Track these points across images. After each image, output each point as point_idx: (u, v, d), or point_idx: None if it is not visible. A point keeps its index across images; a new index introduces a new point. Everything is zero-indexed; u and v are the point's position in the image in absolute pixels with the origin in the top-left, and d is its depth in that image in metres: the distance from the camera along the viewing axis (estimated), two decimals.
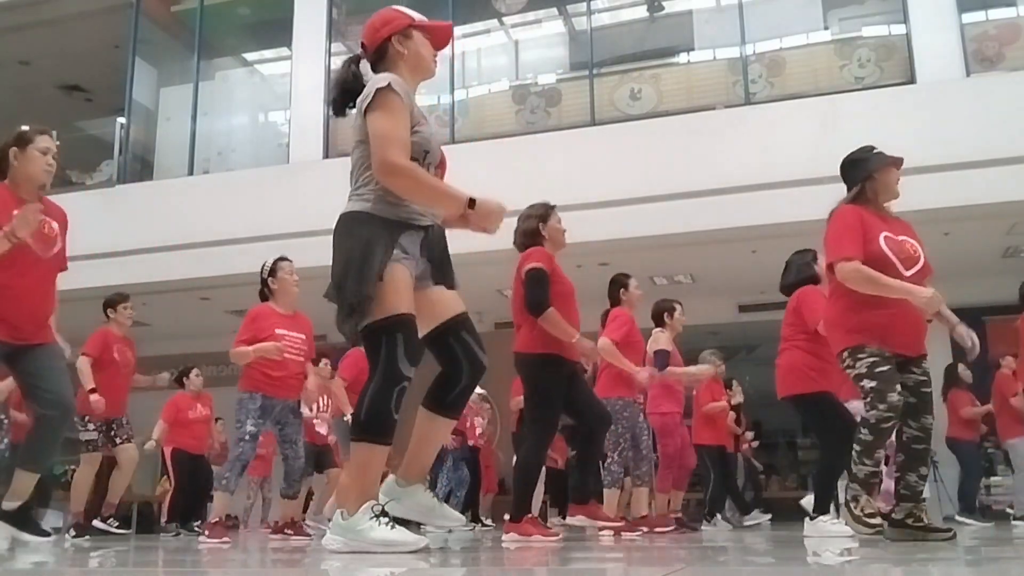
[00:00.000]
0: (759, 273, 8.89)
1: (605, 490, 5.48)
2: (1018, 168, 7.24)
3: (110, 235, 9.44)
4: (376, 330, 2.72)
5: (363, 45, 2.99)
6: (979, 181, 7.27)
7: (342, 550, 2.66)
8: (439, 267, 2.92)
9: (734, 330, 10.57)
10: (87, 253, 9.28)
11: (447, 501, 7.78)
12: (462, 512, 8.22)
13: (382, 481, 2.87)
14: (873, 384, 3.45)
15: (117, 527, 6.38)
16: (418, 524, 3.19)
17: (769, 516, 8.01)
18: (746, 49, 9.04)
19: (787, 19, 9.33)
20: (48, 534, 3.95)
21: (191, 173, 10.31)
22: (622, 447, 5.40)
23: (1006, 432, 7.54)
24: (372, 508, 2.65)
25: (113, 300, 6.35)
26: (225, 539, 5.02)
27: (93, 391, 5.86)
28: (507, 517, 4.43)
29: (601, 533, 4.83)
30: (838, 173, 3.81)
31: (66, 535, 6.01)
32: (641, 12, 10.40)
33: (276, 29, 10.72)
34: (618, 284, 5.62)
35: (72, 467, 10.08)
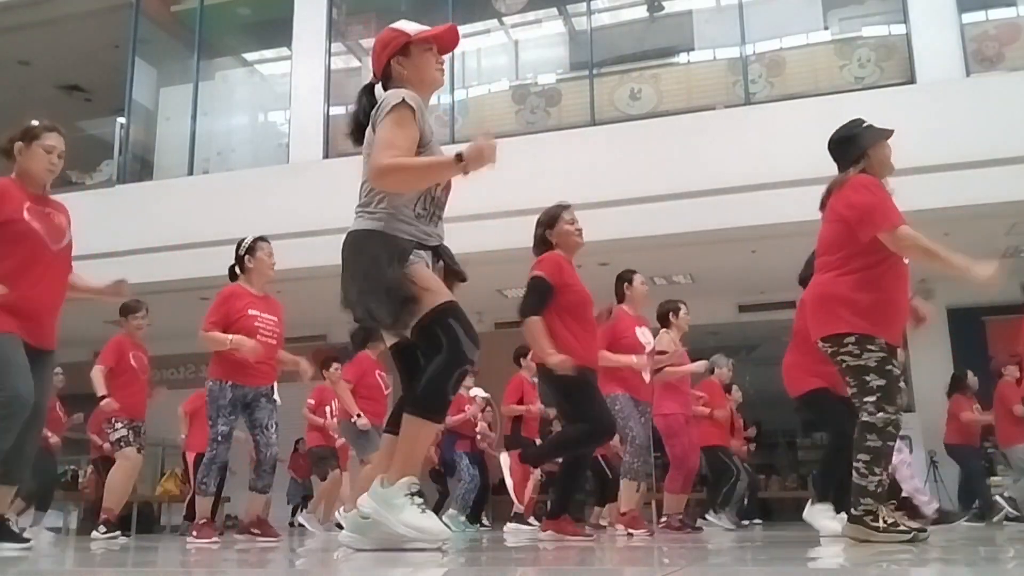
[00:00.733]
0: (759, 273, 8.90)
1: (622, 481, 5.37)
2: (1018, 168, 7.24)
3: (110, 235, 9.44)
4: (428, 325, 2.76)
5: (373, 72, 3.06)
6: (979, 181, 7.27)
7: (373, 516, 2.67)
8: (451, 267, 2.99)
9: (734, 330, 10.57)
10: (87, 253, 9.22)
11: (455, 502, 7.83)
12: (471, 514, 8.24)
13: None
14: (882, 383, 3.26)
15: (121, 533, 6.32)
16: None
17: (759, 521, 7.96)
18: (746, 49, 9.04)
19: (787, 19, 9.33)
20: (28, 540, 3.82)
21: (191, 173, 10.31)
22: (630, 436, 5.28)
23: (1007, 438, 7.55)
24: (410, 485, 2.69)
25: (127, 308, 6.27)
26: (214, 539, 4.93)
27: (103, 398, 5.85)
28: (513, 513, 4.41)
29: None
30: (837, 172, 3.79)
31: (94, 532, 5.94)
32: (641, 12, 10.39)
33: (276, 29, 10.72)
34: (622, 280, 5.59)
35: (73, 467, 10.12)
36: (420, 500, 2.68)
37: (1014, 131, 7.37)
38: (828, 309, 3.41)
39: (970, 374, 8.08)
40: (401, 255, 2.78)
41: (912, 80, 8.21)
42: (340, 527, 7.41)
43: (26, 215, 3.65)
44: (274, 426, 5.21)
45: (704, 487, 8.39)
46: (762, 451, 12.46)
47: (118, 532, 5.98)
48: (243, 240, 5.39)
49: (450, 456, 8.53)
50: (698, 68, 9.86)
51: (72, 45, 11.12)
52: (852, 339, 3.31)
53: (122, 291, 4.03)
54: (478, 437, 8.67)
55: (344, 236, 2.91)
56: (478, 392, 8.67)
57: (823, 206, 3.55)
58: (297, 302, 7.64)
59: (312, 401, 7.98)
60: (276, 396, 5.31)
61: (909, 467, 7.85)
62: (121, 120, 10.73)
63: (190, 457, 7.42)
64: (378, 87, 3.02)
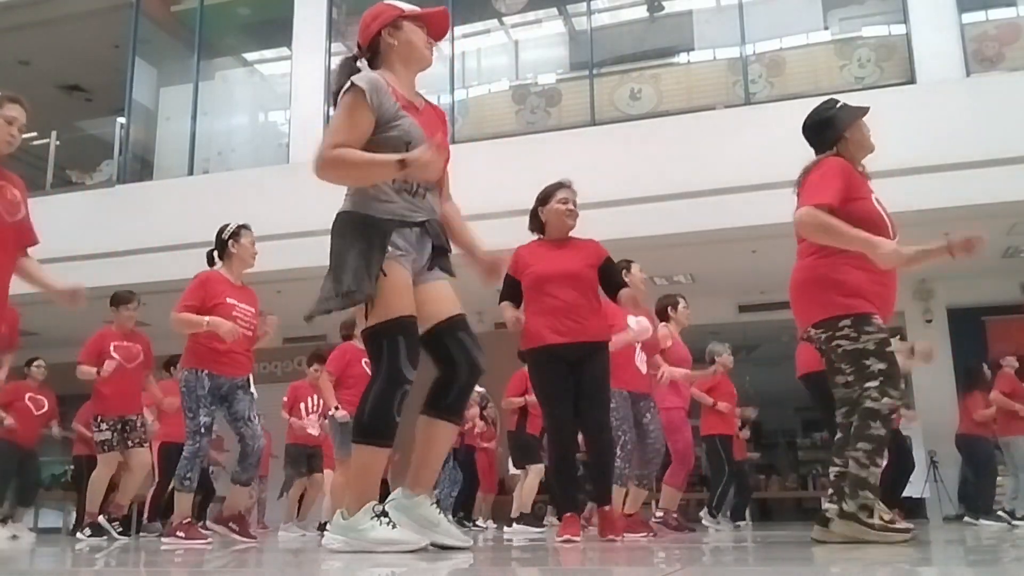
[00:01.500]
0: (759, 273, 8.90)
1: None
2: (1018, 168, 7.24)
3: (110, 235, 9.45)
4: (377, 333, 2.72)
5: (358, 44, 3.01)
6: (979, 181, 7.27)
7: (343, 550, 2.66)
8: (440, 256, 2.92)
9: (734, 330, 10.57)
10: (87, 253, 9.29)
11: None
12: (453, 513, 8.23)
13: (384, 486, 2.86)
14: (884, 367, 3.06)
15: (120, 532, 6.32)
16: None
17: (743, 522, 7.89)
18: (746, 49, 9.05)
19: (787, 19, 9.33)
20: None
21: (191, 173, 10.32)
22: (621, 440, 5.04)
23: (1004, 429, 7.59)
24: (372, 508, 2.65)
25: (115, 299, 6.27)
26: (209, 540, 4.84)
27: (98, 375, 5.89)
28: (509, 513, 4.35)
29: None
30: None
31: (78, 534, 5.99)
32: (641, 12, 10.40)
33: (276, 29, 10.72)
34: (618, 270, 5.43)
35: (70, 467, 10.10)
36: (386, 518, 2.65)
37: (1014, 131, 7.37)
38: (815, 294, 3.22)
39: (986, 367, 8.05)
40: (381, 239, 2.72)
41: (912, 80, 8.21)
42: (322, 529, 7.42)
43: None
44: (256, 417, 5.05)
45: (704, 487, 8.40)
46: (762, 451, 12.48)
47: (118, 531, 6.00)
48: (227, 225, 5.22)
49: None
50: (698, 68, 9.87)
51: (72, 45, 11.12)
52: (848, 321, 3.13)
53: (77, 300, 3.71)
54: (476, 431, 8.68)
55: None
56: (476, 389, 8.65)
57: (799, 193, 3.38)
58: (297, 302, 7.61)
59: (286, 398, 7.86)
60: (252, 389, 5.13)
61: None
62: (121, 120, 10.73)
63: (155, 447, 7.21)
64: (362, 63, 2.97)
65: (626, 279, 5.26)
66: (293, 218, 8.45)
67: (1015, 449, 7.58)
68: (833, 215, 3.14)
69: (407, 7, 2.96)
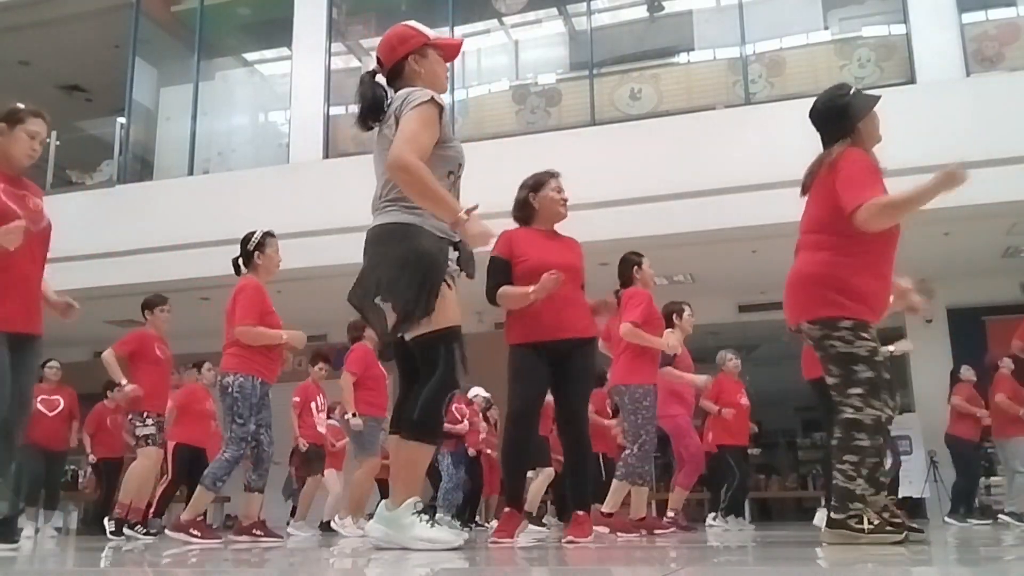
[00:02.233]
0: (759, 273, 8.89)
1: (615, 482, 5.09)
2: (1018, 168, 7.24)
3: (110, 235, 9.45)
4: (435, 339, 2.87)
5: (379, 60, 3.09)
6: (979, 181, 7.22)
7: (383, 541, 2.84)
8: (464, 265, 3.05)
9: (734, 330, 10.57)
10: (87, 253, 9.29)
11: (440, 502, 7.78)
12: (457, 516, 8.23)
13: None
14: (871, 375, 3.02)
15: (145, 533, 6.30)
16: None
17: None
18: (746, 49, 9.05)
19: (787, 19, 9.33)
20: (16, 541, 3.74)
21: (191, 173, 10.31)
22: (643, 439, 4.96)
23: (1001, 432, 7.60)
24: (415, 504, 2.82)
25: (151, 302, 6.28)
26: (221, 539, 4.87)
27: (120, 385, 5.87)
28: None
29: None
30: None
31: (125, 530, 5.90)
32: (641, 12, 10.39)
33: (276, 29, 10.72)
34: (630, 263, 5.28)
35: (73, 467, 10.11)
36: (427, 516, 2.82)
37: (1014, 131, 7.37)
38: (818, 289, 3.14)
39: (964, 367, 8.10)
40: (444, 255, 2.89)
41: (912, 80, 8.21)
42: (324, 527, 7.41)
43: (3, 196, 3.51)
44: (272, 424, 5.15)
45: (704, 487, 8.39)
46: (762, 451, 12.48)
47: (143, 529, 6.01)
48: (252, 234, 5.22)
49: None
50: (698, 68, 9.87)
51: (72, 45, 11.12)
52: (848, 324, 3.07)
53: (69, 315, 3.78)
54: (480, 436, 8.66)
55: (371, 229, 2.97)
56: (479, 391, 8.65)
57: (806, 188, 3.32)
58: (297, 302, 7.63)
59: (297, 399, 7.81)
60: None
61: None
62: (121, 120, 10.73)
63: (170, 447, 7.25)
64: (380, 78, 3.08)
65: (636, 274, 5.26)
66: (293, 218, 8.45)
67: (1011, 451, 7.58)
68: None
69: (432, 34, 3.10)
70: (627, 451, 5.08)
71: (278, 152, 10.25)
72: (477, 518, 9.11)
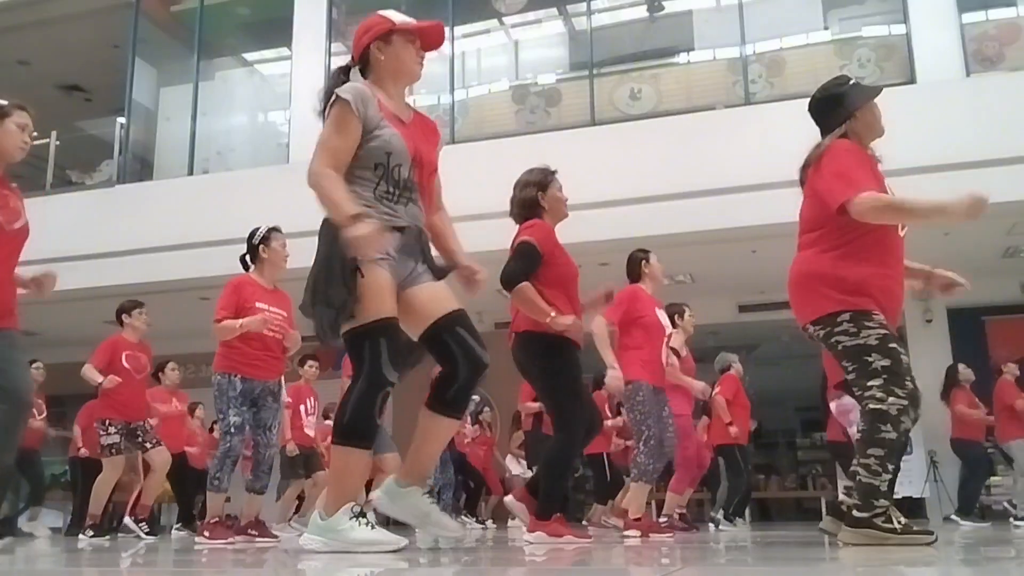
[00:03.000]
0: (759, 273, 8.89)
1: (632, 484, 4.99)
2: (1018, 168, 7.24)
3: (110, 235, 9.44)
4: (359, 335, 2.73)
5: (352, 55, 3.04)
6: (979, 181, 7.22)
7: (321, 550, 2.68)
8: (429, 264, 2.94)
9: (734, 330, 10.57)
10: (87, 253, 9.29)
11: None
12: (451, 515, 8.24)
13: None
14: (887, 363, 2.88)
15: (147, 532, 6.33)
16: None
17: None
18: (746, 49, 9.05)
19: (787, 19, 9.33)
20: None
21: (191, 173, 10.31)
22: (646, 435, 4.86)
23: (1006, 435, 7.60)
24: (351, 509, 2.67)
25: (126, 307, 6.29)
26: (230, 540, 4.81)
27: (100, 384, 5.88)
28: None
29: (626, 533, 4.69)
30: None
31: (80, 535, 5.99)
32: (641, 12, 10.39)
33: (276, 29, 10.72)
34: (637, 259, 5.19)
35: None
36: (365, 519, 2.67)
37: (1014, 131, 7.37)
38: (812, 289, 3.07)
39: (962, 367, 8.08)
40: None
41: (912, 80, 8.21)
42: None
43: None
44: (276, 427, 5.14)
45: (704, 487, 8.39)
46: (762, 451, 12.49)
47: (145, 531, 6.03)
48: (257, 229, 5.20)
49: None
50: (698, 68, 9.87)
51: (72, 45, 11.12)
52: (846, 316, 2.97)
53: (45, 286, 3.64)
54: (465, 440, 8.65)
55: None
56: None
57: (803, 181, 3.26)
58: (297, 302, 7.63)
59: (289, 400, 7.70)
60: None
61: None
62: (121, 120, 10.73)
63: None
64: (355, 72, 3.01)
65: (644, 269, 5.17)
66: (293, 218, 8.42)
67: (1019, 452, 7.59)
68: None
69: (399, 20, 2.95)
70: (636, 451, 4.99)
71: (278, 152, 10.25)
72: (480, 518, 9.13)
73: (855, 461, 2.93)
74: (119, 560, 3.41)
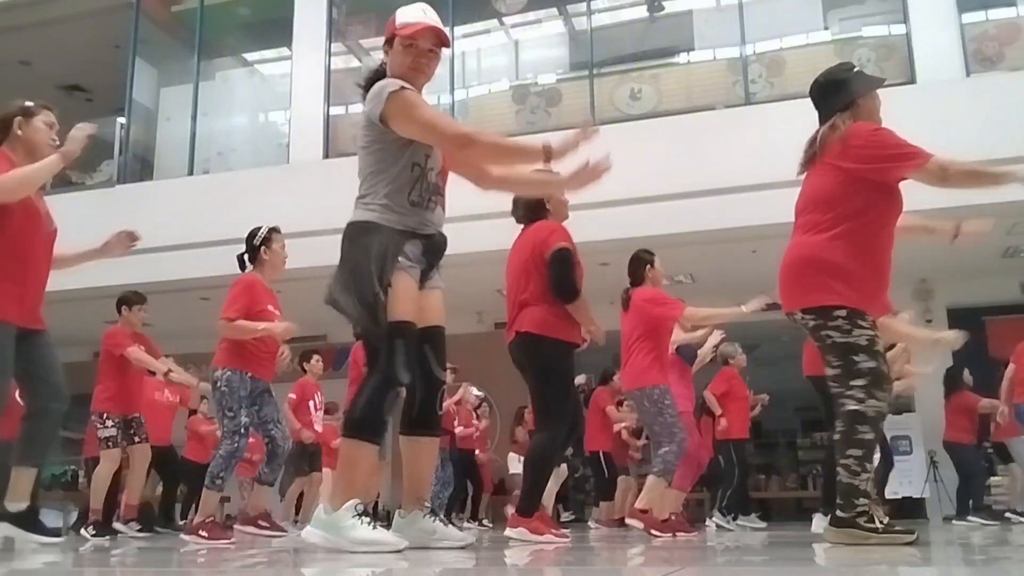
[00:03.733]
0: (759, 273, 8.86)
1: (651, 478, 4.99)
2: (1018, 168, 7.23)
3: (110, 235, 9.43)
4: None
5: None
6: None
7: (322, 544, 2.72)
8: (433, 269, 3.01)
9: (734, 330, 10.54)
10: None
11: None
12: (446, 514, 8.24)
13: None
14: (873, 365, 2.90)
15: (139, 530, 6.25)
16: None
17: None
18: (746, 49, 9.05)
19: (787, 19, 9.33)
20: (59, 534, 3.86)
21: (191, 173, 10.31)
22: (678, 435, 4.90)
23: (1008, 432, 7.61)
24: (355, 507, 2.70)
25: (128, 299, 6.26)
26: (231, 539, 4.79)
27: (153, 372, 5.98)
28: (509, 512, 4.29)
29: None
30: None
31: (77, 533, 5.98)
32: (641, 12, 10.40)
33: (276, 29, 10.72)
34: (642, 261, 5.25)
35: (72, 467, 10.11)
36: (368, 518, 2.70)
37: (1014, 131, 7.36)
38: (811, 276, 3.01)
39: (966, 372, 8.09)
40: (395, 249, 2.80)
41: (912, 80, 8.21)
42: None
43: (32, 195, 3.64)
44: (283, 420, 5.16)
45: (704, 487, 8.40)
46: (762, 451, 12.48)
47: (136, 529, 6.01)
48: (257, 230, 5.15)
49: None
50: (698, 68, 9.87)
51: (72, 45, 11.11)
52: (843, 313, 2.93)
53: (124, 242, 4.03)
54: (474, 436, 8.66)
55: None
56: (472, 390, 8.64)
57: (809, 160, 3.23)
58: (297, 302, 7.61)
59: (294, 396, 7.74)
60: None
61: None
62: (121, 120, 10.73)
63: None
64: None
65: (648, 273, 5.25)
66: (293, 218, 8.43)
67: (1017, 450, 7.60)
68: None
69: (401, 23, 2.98)
70: (664, 448, 4.96)
71: (278, 152, 10.25)
72: (480, 517, 9.12)
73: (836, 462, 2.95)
74: (120, 560, 3.41)
